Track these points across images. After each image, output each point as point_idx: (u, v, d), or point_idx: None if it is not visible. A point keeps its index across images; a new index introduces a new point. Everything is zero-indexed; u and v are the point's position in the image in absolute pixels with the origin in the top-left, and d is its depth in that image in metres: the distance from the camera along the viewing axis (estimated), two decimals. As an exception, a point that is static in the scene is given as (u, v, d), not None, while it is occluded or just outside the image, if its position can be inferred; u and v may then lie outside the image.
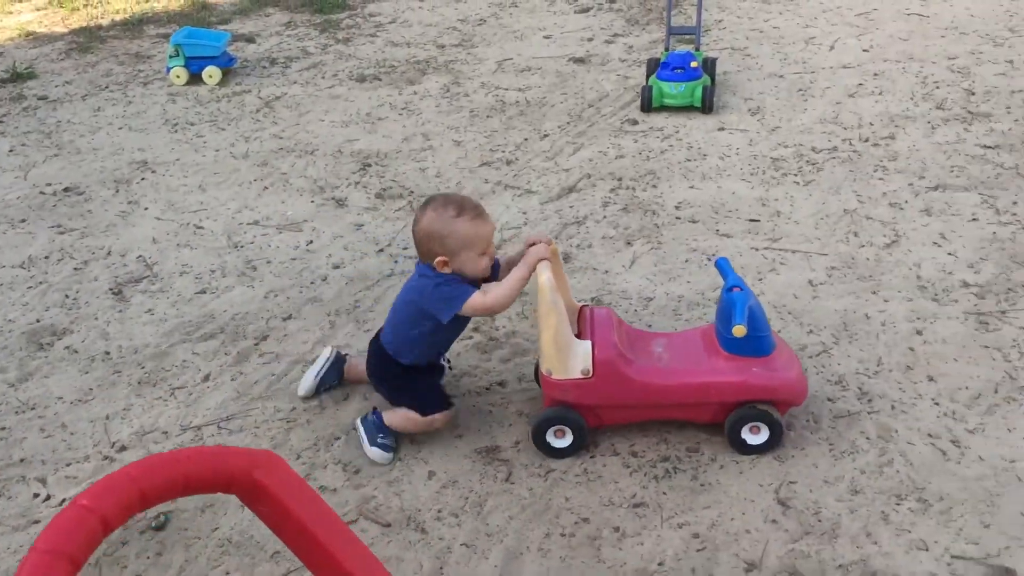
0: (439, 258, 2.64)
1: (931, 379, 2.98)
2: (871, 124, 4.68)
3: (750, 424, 2.69)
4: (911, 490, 2.58)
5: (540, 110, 5.10)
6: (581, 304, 2.87)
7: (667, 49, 5.20)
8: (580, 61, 5.71)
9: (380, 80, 5.61)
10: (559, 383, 2.67)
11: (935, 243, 3.69)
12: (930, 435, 2.75)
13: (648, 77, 5.12)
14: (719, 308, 2.75)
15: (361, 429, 2.84)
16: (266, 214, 4.20)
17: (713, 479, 2.66)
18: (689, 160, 4.48)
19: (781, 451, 2.74)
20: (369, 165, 4.59)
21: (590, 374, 2.64)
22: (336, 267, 3.78)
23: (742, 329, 2.59)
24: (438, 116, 5.10)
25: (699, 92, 4.90)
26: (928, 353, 3.10)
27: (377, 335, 2.90)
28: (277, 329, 3.41)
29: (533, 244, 2.70)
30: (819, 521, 2.50)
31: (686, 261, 3.71)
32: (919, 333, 3.20)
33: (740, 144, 4.60)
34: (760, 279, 3.56)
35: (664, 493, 2.62)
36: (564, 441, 2.74)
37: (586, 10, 6.54)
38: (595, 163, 4.50)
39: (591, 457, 2.76)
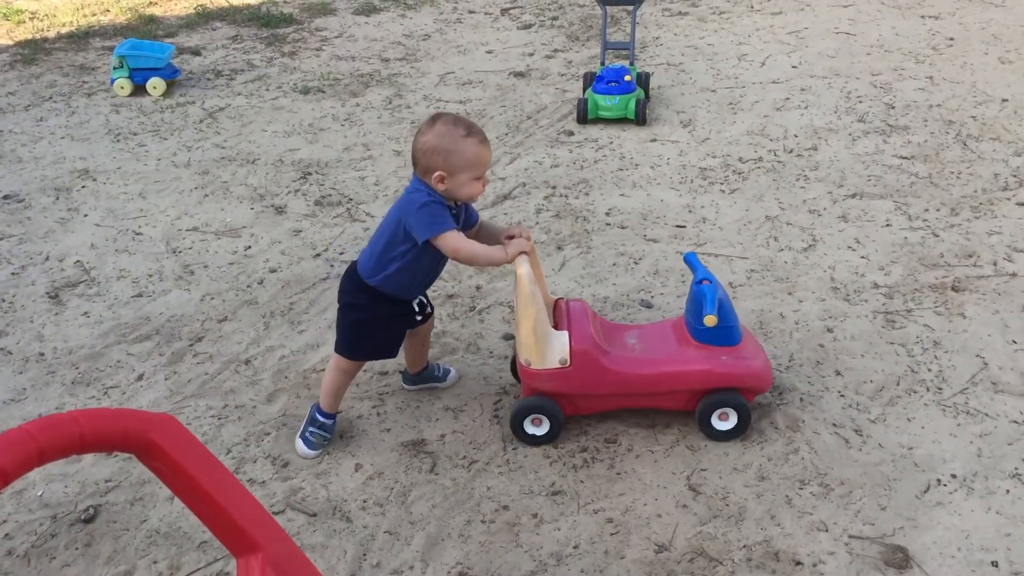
0: (438, 172, 2.56)
1: (838, 373, 3.13)
2: (796, 136, 4.87)
3: (719, 411, 2.81)
4: (814, 476, 2.72)
5: (480, 121, 5.22)
6: (556, 298, 2.95)
7: (603, 63, 5.36)
8: (520, 75, 5.85)
9: (324, 92, 5.70)
10: (537, 373, 2.75)
11: (850, 247, 3.86)
12: (835, 425, 2.90)
13: (584, 90, 5.28)
14: (689, 300, 2.88)
15: (306, 426, 2.88)
16: (205, 220, 4.26)
17: (629, 467, 2.78)
18: (621, 169, 4.63)
19: (694, 440, 2.87)
20: (310, 174, 4.68)
21: (567, 364, 2.72)
22: (273, 271, 3.85)
23: (713, 319, 2.72)
24: (380, 127, 5.20)
25: (633, 105, 5.06)
26: (837, 349, 3.26)
27: (353, 265, 2.80)
28: (212, 331, 3.47)
29: (512, 237, 2.71)
30: (727, 505, 2.62)
31: (613, 265, 3.84)
32: (830, 331, 3.36)
33: (671, 155, 4.76)
34: (683, 282, 3.70)
35: (582, 481, 2.73)
36: (541, 429, 2.84)
37: (528, 26, 6.70)
38: (531, 172, 4.63)
39: (513, 449, 2.87)
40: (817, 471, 2.73)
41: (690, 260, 2.97)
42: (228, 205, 4.40)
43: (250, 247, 4.03)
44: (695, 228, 4.09)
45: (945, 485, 2.66)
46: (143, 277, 3.83)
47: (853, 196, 4.26)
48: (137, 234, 4.17)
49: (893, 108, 5.10)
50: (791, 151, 4.72)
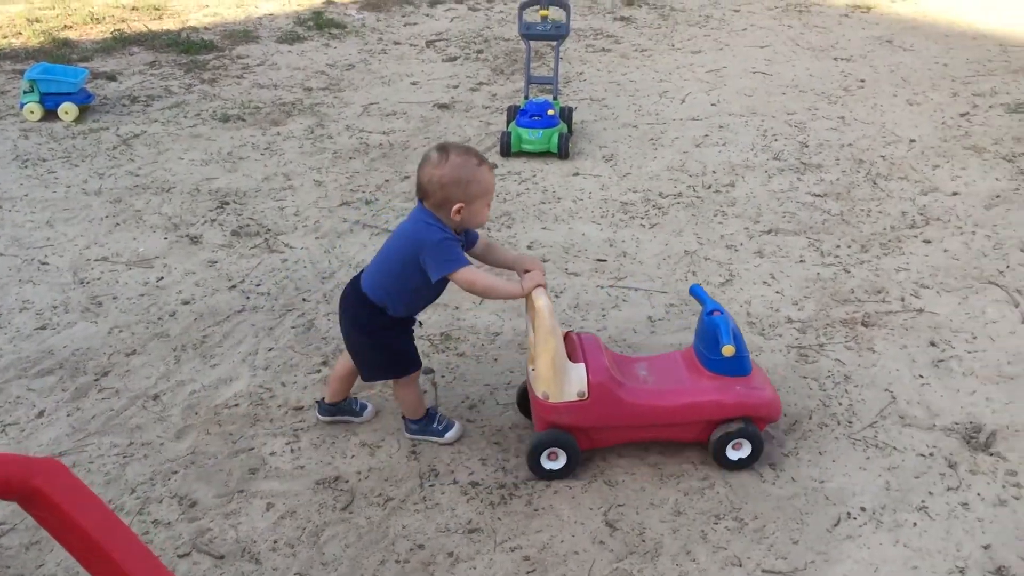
0: (458, 204, 2.60)
1: (754, 407, 3.17)
2: (714, 172, 4.96)
3: (733, 441, 2.81)
4: (729, 510, 2.74)
5: (403, 153, 5.20)
6: (565, 330, 2.90)
7: (527, 97, 5.40)
8: (445, 107, 5.86)
9: (244, 120, 5.61)
10: (555, 406, 2.73)
11: (765, 282, 3.94)
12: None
13: (508, 124, 5.30)
14: (700, 331, 2.89)
15: (423, 438, 2.96)
16: (116, 250, 4.13)
17: (547, 504, 2.76)
18: (544, 203, 4.65)
19: (612, 476, 2.86)
20: (227, 203, 4.59)
21: (585, 396, 2.71)
22: (186, 303, 3.75)
23: (731, 349, 2.75)
24: (301, 157, 5.14)
25: (555, 139, 5.10)
26: (753, 383, 3.30)
27: (355, 283, 2.82)
28: (119, 365, 3.36)
29: (528, 271, 2.75)
30: (643, 541, 2.62)
31: (534, 298, 3.84)
32: (746, 365, 3.40)
33: (593, 189, 4.80)
34: (603, 315, 3.72)
35: (499, 519, 2.70)
36: (558, 463, 2.81)
37: (453, 59, 6.72)
38: (453, 205, 4.61)
39: (431, 486, 2.82)
40: (732, 505, 2.75)
41: (696, 292, 3.00)
42: (141, 235, 4.28)
43: (162, 278, 3.92)
44: (616, 262, 4.12)
45: (855, 518, 2.70)
46: (47, 309, 3.69)
47: (768, 232, 4.35)
48: (43, 264, 4.02)
49: (807, 147, 5.25)
50: (709, 187, 4.80)
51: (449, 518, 2.70)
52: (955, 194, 4.65)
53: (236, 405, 3.16)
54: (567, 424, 2.77)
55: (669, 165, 5.07)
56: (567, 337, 2.85)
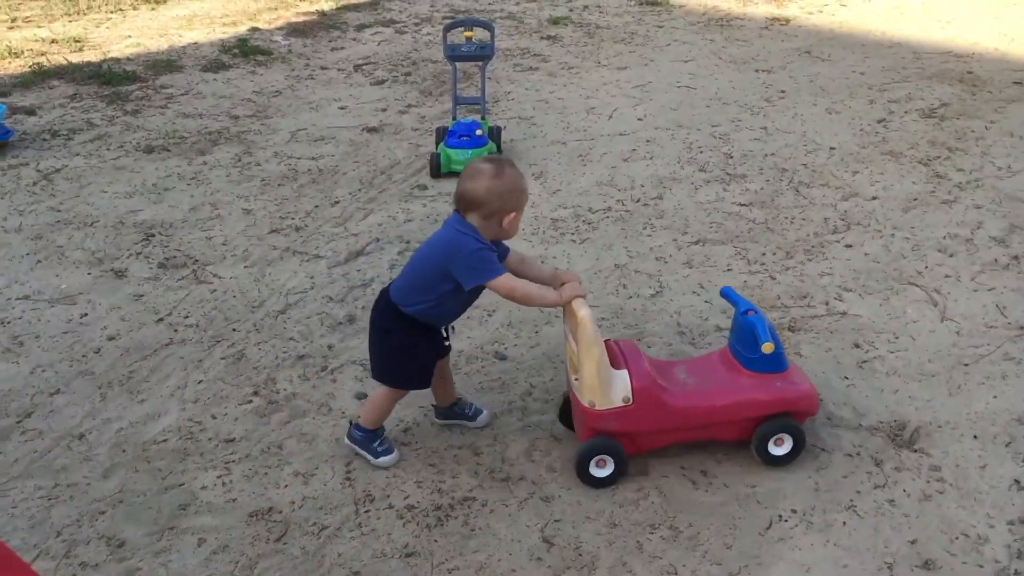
0: (511, 214, 2.71)
1: (686, 416, 3.21)
2: (642, 186, 5.03)
3: (775, 437, 2.87)
4: (663, 519, 2.76)
5: (332, 178, 5.18)
6: (603, 339, 2.89)
7: (455, 118, 5.42)
8: (374, 130, 5.85)
9: (169, 151, 5.54)
10: (601, 413, 2.77)
11: (694, 292, 3.99)
12: (682, 467, 2.96)
13: (437, 145, 5.32)
14: (735, 331, 2.96)
15: (359, 449, 2.96)
16: (37, 288, 4.04)
17: (483, 523, 2.75)
18: (475, 223, 4.66)
19: (548, 491, 2.87)
20: (153, 235, 4.51)
21: (630, 402, 2.76)
22: (111, 339, 3.67)
23: (771, 346, 2.82)
24: (228, 185, 5.08)
25: (485, 158, 5.12)
26: (684, 392, 3.34)
27: (385, 292, 2.88)
28: (43, 405, 3.27)
29: (564, 283, 2.81)
30: (580, 555, 2.63)
31: (467, 318, 3.82)
32: (677, 375, 3.44)
33: (523, 207, 4.82)
34: (536, 332, 3.73)
35: (436, 540, 2.69)
36: (606, 470, 2.85)
37: (381, 82, 6.72)
38: (384, 227, 4.61)
39: (366, 512, 2.80)
40: (666, 514, 2.78)
41: (728, 293, 3.07)
42: (63, 271, 4.19)
43: (86, 314, 3.84)
44: (547, 278, 4.13)
45: (786, 521, 2.75)
46: (-34, 351, 3.59)
47: (696, 243, 4.41)
48: (-39, 305, 3.91)
49: (731, 158, 5.35)
50: (638, 200, 4.87)
51: (385, 543, 2.68)
52: (874, 198, 4.78)
53: (165, 440, 3.11)
54: (613, 430, 2.81)
55: (598, 180, 5.13)
56: (606, 345, 2.87)
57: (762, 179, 5.06)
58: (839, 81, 6.45)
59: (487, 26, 5.51)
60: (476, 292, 2.80)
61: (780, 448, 2.90)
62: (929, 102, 6.00)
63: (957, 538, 2.66)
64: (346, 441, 3.02)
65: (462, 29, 5.48)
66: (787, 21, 7.82)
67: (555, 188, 5.05)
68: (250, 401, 3.31)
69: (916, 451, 3.01)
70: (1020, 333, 3.61)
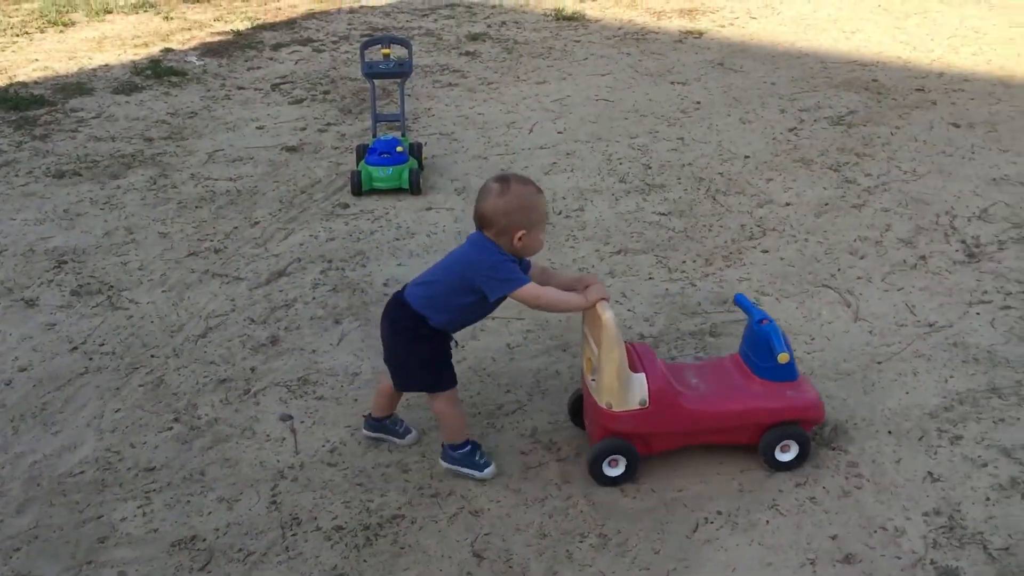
0: (521, 232, 2.72)
1: (612, 424, 3.25)
2: (564, 198, 5.08)
3: (782, 443, 2.94)
4: (592, 527, 2.78)
5: (251, 198, 5.11)
6: None
7: (375, 136, 5.40)
8: (293, 149, 5.79)
9: (81, 176, 5.39)
10: (618, 415, 2.82)
11: (617, 301, 4.04)
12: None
13: (358, 162, 5.29)
14: (748, 339, 3.02)
15: (460, 469, 2.94)
16: (-57, 320, 3.89)
17: (413, 540, 2.74)
18: (398, 239, 4.65)
19: (477, 505, 2.87)
20: (65, 262, 4.39)
21: (647, 404, 2.81)
22: (23, 370, 3.56)
23: (786, 356, 2.89)
24: (143, 209, 4.97)
25: (406, 175, 5.12)
26: (610, 401, 3.38)
27: (399, 297, 2.88)
28: (-50, 441, 3.15)
29: (588, 286, 2.84)
30: (510, 568, 2.63)
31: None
32: (602, 383, 3.48)
33: (447, 222, 4.83)
34: (462, 346, 3.73)
35: (365, 561, 2.67)
36: (618, 470, 2.90)
37: (300, 101, 6.66)
38: (306, 247, 4.56)
39: (293, 535, 2.76)
40: (595, 522, 2.80)
41: (741, 302, 3.13)
42: (-30, 301, 4.04)
43: (-4, 345, 3.71)
44: (472, 293, 4.14)
45: (712, 523, 2.79)
46: None
47: (618, 252, 4.47)
48: None
49: (650, 168, 5.44)
50: (560, 212, 4.91)
51: (313, 566, 2.65)
52: (788, 204, 4.91)
53: (82, 472, 3.02)
54: (628, 432, 2.86)
55: (520, 194, 5.15)
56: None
57: (680, 188, 5.15)
58: (751, 91, 6.62)
59: (404, 43, 5.51)
60: (497, 303, 2.85)
61: (786, 454, 2.97)
62: (837, 110, 6.20)
63: (875, 532, 2.74)
64: (444, 465, 2.99)
65: (379, 46, 5.47)
66: (700, 34, 7.99)
67: (477, 203, 5.05)
68: (170, 428, 3.23)
69: (834, 449, 3.09)
70: (929, 331, 3.74)
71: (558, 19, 8.52)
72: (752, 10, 8.52)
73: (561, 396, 3.39)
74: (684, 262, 4.36)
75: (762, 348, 2.96)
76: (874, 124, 5.93)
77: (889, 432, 3.16)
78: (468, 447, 2.97)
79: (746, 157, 5.54)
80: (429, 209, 4.99)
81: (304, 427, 3.24)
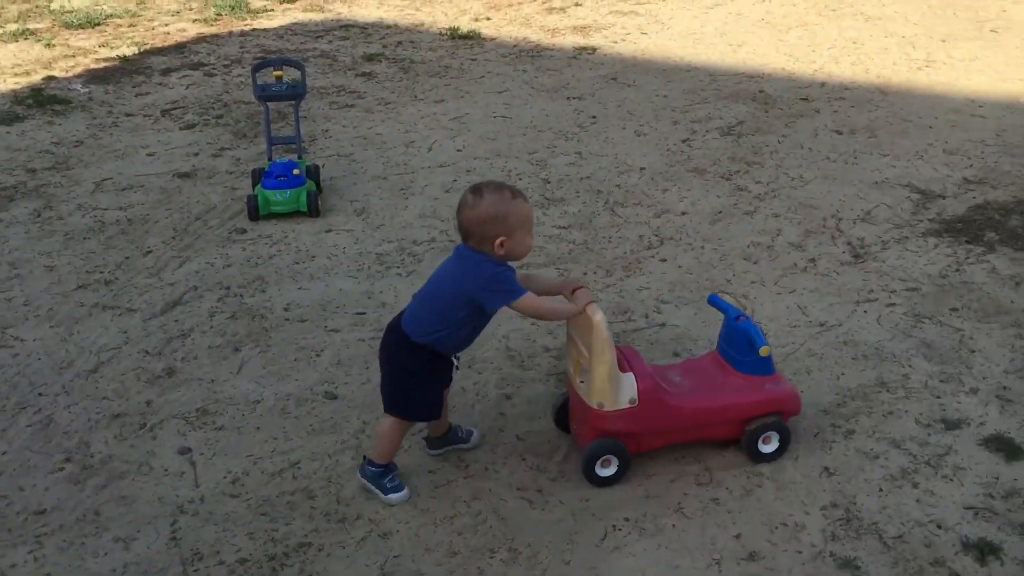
0: (499, 239, 2.72)
1: (519, 438, 3.26)
2: (465, 215, 5.08)
3: (764, 435, 3.04)
4: (503, 542, 2.78)
5: (143, 227, 4.96)
6: None
7: (270, 159, 5.32)
8: (186, 176, 5.65)
9: (-42, 210, 5.16)
10: (609, 414, 2.88)
11: (520, 316, 4.06)
12: (518, 488, 3.00)
13: (254, 187, 5.20)
14: (726, 336, 3.14)
15: (370, 486, 2.93)
16: None
17: (321, 568, 2.69)
18: (297, 263, 4.58)
19: (386, 527, 2.84)
20: (-57, 301, 4.18)
21: (636, 403, 2.88)
22: (-102, 416, 3.37)
23: (767, 349, 3.01)
24: (28, 243, 4.78)
25: (304, 197, 5.05)
26: (516, 415, 3.39)
27: (397, 322, 2.89)
28: None
29: (576, 290, 2.88)
30: (421, 588, 2.61)
31: (295, 360, 3.76)
32: (508, 398, 3.49)
33: (347, 243, 4.79)
34: (367, 367, 3.69)
35: (271, 593, 2.61)
36: (610, 470, 2.97)
37: (191, 126, 6.51)
38: (202, 275, 4.45)
39: (195, 571, 2.68)
40: (505, 537, 2.80)
41: (715, 301, 3.25)
42: None
43: None
44: (375, 313, 4.11)
45: (620, 530, 2.82)
46: None
47: (520, 267, 4.47)
48: None
49: (549, 183, 5.49)
50: (461, 230, 4.91)
51: (218, 602, 2.57)
52: (684, 214, 5.02)
53: (-34, 521, 2.87)
54: (618, 430, 2.92)
55: (421, 212, 5.15)
56: None
57: (579, 201, 5.22)
58: (645, 105, 6.76)
59: (297, 64, 5.45)
60: (489, 317, 2.89)
61: (768, 446, 3.07)
62: (727, 120, 6.38)
63: (777, 528, 2.81)
64: (359, 477, 2.99)
65: (272, 68, 5.40)
66: (594, 50, 8.13)
67: (379, 223, 5.03)
68: (62, 468, 3.10)
69: (734, 450, 3.16)
70: (820, 330, 3.87)
71: (454, 38, 8.55)
72: (643, 26, 8.71)
73: (469, 412, 3.39)
74: (585, 274, 4.41)
75: (741, 343, 3.07)
76: (762, 133, 6.12)
77: (787, 430, 3.25)
78: (382, 468, 2.95)
79: (642, 169, 5.65)
80: (329, 231, 4.94)
81: (204, 459, 3.16)
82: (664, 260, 4.53)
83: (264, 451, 3.20)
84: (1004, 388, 3.40)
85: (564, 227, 4.92)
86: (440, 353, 2.87)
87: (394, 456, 2.98)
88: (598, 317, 2.81)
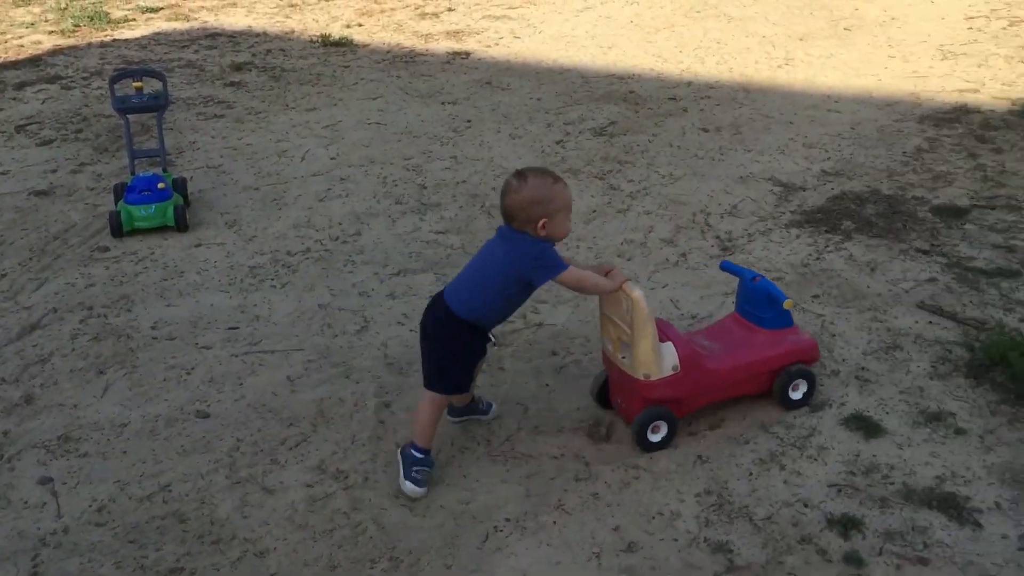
0: (542, 220, 2.88)
1: (398, 446, 3.19)
2: (340, 224, 5.02)
3: (793, 383, 3.28)
4: (384, 552, 2.75)
5: (-2, 249, 4.72)
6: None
7: (133, 173, 5.13)
8: (43, 194, 5.40)
9: None
10: (655, 383, 3.06)
11: (399, 322, 4.03)
12: (397, 496, 2.97)
13: (116, 203, 5.00)
14: (747, 296, 3.37)
15: (401, 463, 3.01)
16: None
17: (194, 593, 2.60)
18: (165, 280, 4.43)
19: (262, 545, 2.77)
20: None
21: (678, 369, 3.06)
22: None
23: (791, 302, 3.25)
24: None
25: (171, 212, 4.89)
26: (396, 423, 3.36)
27: (440, 301, 3.03)
28: None
29: (609, 271, 3.05)
30: (299, 606, 2.55)
31: (164, 380, 3.64)
32: (387, 406, 3.46)
33: (218, 257, 4.66)
34: (240, 384, 3.60)
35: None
36: (659, 435, 3.13)
37: (48, 142, 6.22)
38: (62, 296, 4.26)
39: (59, 606, 2.55)
40: (386, 546, 2.77)
41: (729, 267, 3.49)
42: None
43: None
44: (249, 327, 4.01)
45: (501, 530, 2.83)
46: None
47: (398, 274, 4.46)
48: None
49: (425, 188, 5.47)
50: (337, 239, 4.85)
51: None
52: (559, 214, 5.08)
53: None
54: (665, 398, 3.10)
55: (295, 223, 5.05)
56: None
57: (456, 206, 5.22)
58: (519, 108, 6.81)
59: (158, 75, 5.29)
60: (531, 293, 3.03)
61: (796, 392, 3.31)
62: (599, 121, 6.49)
63: (654, 517, 2.87)
64: (397, 452, 3.09)
65: (131, 79, 5.21)
66: (467, 55, 8.15)
67: (251, 235, 4.91)
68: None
69: (612, 443, 3.21)
70: (692, 323, 3.97)
71: (325, 45, 8.43)
72: (516, 30, 8.78)
73: (347, 423, 3.35)
74: (462, 278, 4.41)
75: (762, 301, 3.30)
76: (633, 133, 6.25)
77: (662, 421, 3.33)
78: (424, 455, 3.02)
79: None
80: (198, 246, 4.79)
81: (67, 488, 3.02)
82: (540, 261, 4.56)
83: (132, 476, 3.08)
84: (863, 369, 3.56)
85: (441, 232, 4.91)
86: (481, 328, 3.01)
87: (432, 439, 3.06)
88: (637, 293, 2.98)
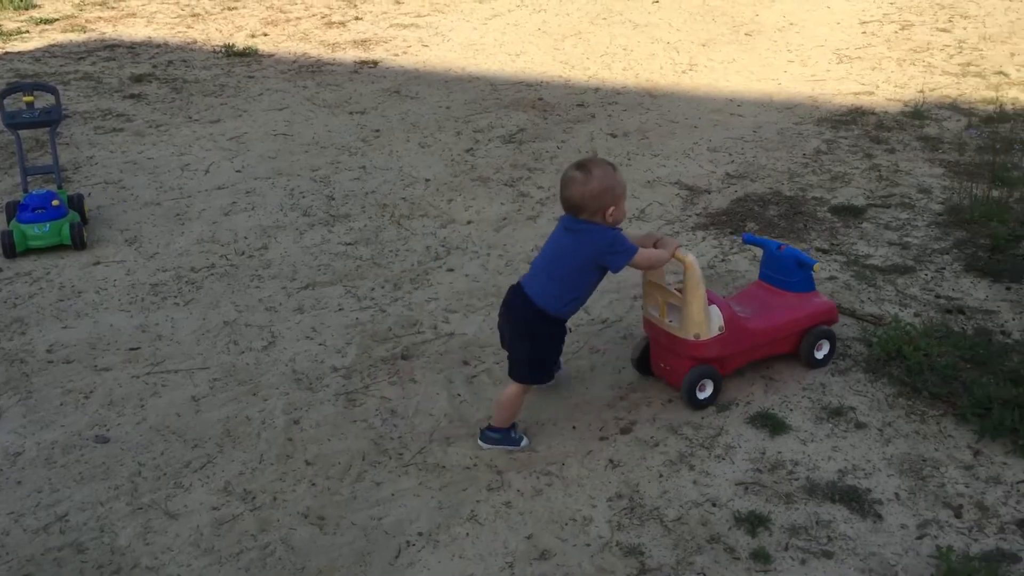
0: (610, 208, 3.03)
1: (308, 463, 3.17)
2: (246, 238, 4.91)
3: (817, 343, 3.54)
4: (292, 573, 2.69)
5: None
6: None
7: (26, 191, 4.94)
8: (-71, 214, 5.15)
9: None
10: (704, 343, 3.27)
11: (308, 337, 3.97)
12: (306, 515, 2.91)
13: (9, 221, 4.80)
14: (772, 264, 3.61)
15: (499, 446, 3.18)
16: None
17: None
18: (62, 300, 4.27)
19: (168, 573, 2.68)
20: None
21: (724, 330, 3.28)
22: None
23: (819, 266, 3.53)
24: None
25: (67, 230, 4.72)
26: (305, 439, 3.30)
27: (523, 300, 3.11)
28: None
29: (657, 240, 3.21)
30: (206, 633, 2.48)
31: (60, 404, 3.50)
32: (296, 423, 3.39)
33: (118, 276, 4.51)
34: (142, 406, 3.49)
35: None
36: (707, 392, 3.37)
37: (-65, 159, 5.95)
38: (-50, 321, 4.07)
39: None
40: (295, 567, 2.71)
41: (752, 239, 3.77)
42: None
43: None
44: (151, 347, 3.90)
45: (414, 545, 2.80)
46: None
47: (306, 287, 4.39)
48: None
49: (334, 199, 5.40)
50: (243, 253, 4.75)
51: None
52: (469, 223, 5.07)
53: None
54: (711, 356, 3.31)
55: (199, 238, 4.93)
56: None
57: (365, 216, 5.16)
58: (428, 116, 6.79)
59: (50, 89, 5.10)
60: (603, 276, 3.17)
61: (820, 352, 3.57)
62: (508, 128, 6.50)
63: (567, 524, 2.88)
64: (482, 445, 3.20)
65: (22, 94, 5.02)
66: (375, 64, 8.09)
67: (152, 252, 4.77)
68: None
69: (526, 451, 3.21)
70: (602, 327, 4.00)
71: (229, 55, 8.27)
72: (424, 39, 8.76)
73: (255, 441, 3.27)
74: (373, 289, 4.36)
75: (790, 267, 3.54)
76: (542, 140, 6.28)
77: (573, 427, 3.34)
78: (498, 435, 3.20)
79: (427, 180, 5.66)
80: (97, 264, 4.64)
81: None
82: (451, 270, 4.55)
83: (26, 506, 2.96)
84: (767, 367, 3.64)
85: (350, 243, 4.85)
86: (564, 321, 3.17)
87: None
88: (690, 258, 3.18)
